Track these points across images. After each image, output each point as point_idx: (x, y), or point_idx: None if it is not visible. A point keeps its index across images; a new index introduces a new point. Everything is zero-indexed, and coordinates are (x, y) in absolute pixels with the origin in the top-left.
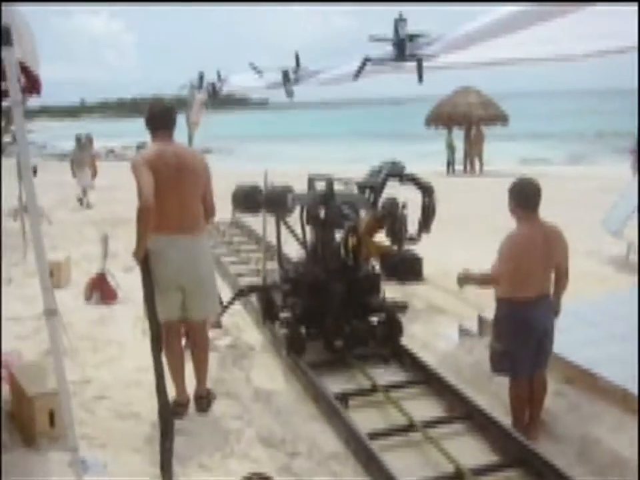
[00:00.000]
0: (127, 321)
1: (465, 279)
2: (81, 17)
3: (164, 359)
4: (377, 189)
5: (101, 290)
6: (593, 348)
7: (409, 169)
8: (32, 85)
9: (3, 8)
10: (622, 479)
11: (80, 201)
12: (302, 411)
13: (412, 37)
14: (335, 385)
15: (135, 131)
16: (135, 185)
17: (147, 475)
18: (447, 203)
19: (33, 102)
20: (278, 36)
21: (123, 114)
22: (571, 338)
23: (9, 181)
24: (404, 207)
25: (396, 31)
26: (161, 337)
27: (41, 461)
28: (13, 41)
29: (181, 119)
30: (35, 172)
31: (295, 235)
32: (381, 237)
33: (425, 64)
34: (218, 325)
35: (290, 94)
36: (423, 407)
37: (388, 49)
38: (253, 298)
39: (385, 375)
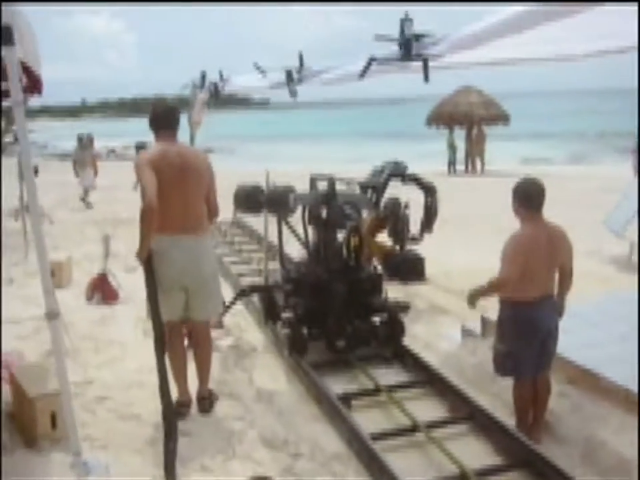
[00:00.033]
0: (129, 321)
1: (474, 295)
2: (82, 17)
3: (167, 360)
4: (379, 189)
5: (102, 290)
6: (595, 348)
7: (411, 169)
8: (33, 84)
9: (5, 8)
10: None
11: (83, 200)
12: (304, 411)
13: (418, 37)
14: (337, 385)
15: (136, 130)
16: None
17: (149, 476)
18: (449, 203)
19: (34, 102)
20: (279, 36)
21: (124, 114)
22: (574, 339)
23: (10, 180)
24: (406, 207)
25: (402, 30)
26: (164, 338)
27: (42, 462)
28: (15, 41)
29: (182, 119)
30: (36, 172)
31: (297, 235)
32: (383, 237)
33: (430, 64)
34: (220, 325)
35: (293, 94)
36: (426, 408)
37: (393, 48)
38: (255, 298)
39: (388, 375)
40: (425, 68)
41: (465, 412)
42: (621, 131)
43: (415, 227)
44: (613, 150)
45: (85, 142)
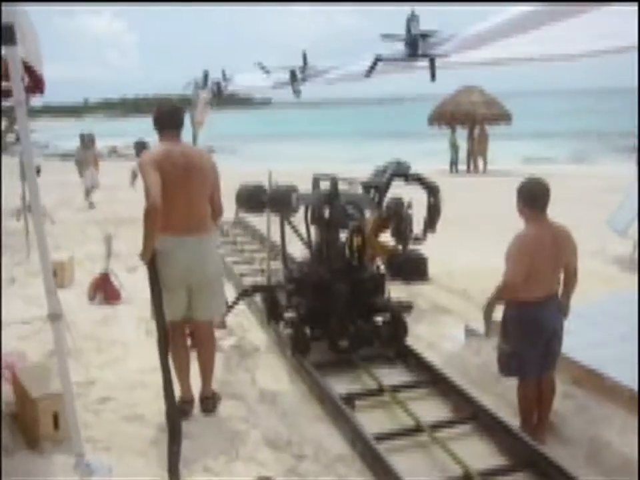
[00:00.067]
0: (131, 321)
1: (489, 308)
2: (83, 17)
3: (170, 359)
4: (382, 189)
5: (104, 290)
6: (599, 349)
7: (413, 168)
8: (35, 84)
9: (6, 8)
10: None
11: (90, 200)
12: (307, 412)
13: (424, 36)
14: (340, 385)
15: (138, 130)
16: (139, 184)
17: (152, 478)
18: (451, 203)
19: (35, 101)
20: (280, 36)
21: (126, 113)
22: (578, 339)
23: (12, 180)
24: (409, 206)
25: (408, 29)
26: (168, 339)
27: (44, 463)
28: (17, 40)
29: (185, 119)
30: (38, 172)
31: (299, 235)
32: (386, 237)
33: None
34: (223, 325)
35: (297, 93)
36: (429, 409)
37: (398, 47)
38: (257, 298)
39: (391, 375)
40: (432, 67)
41: (469, 412)
42: (623, 131)
43: (417, 227)
44: (615, 149)
45: (86, 141)
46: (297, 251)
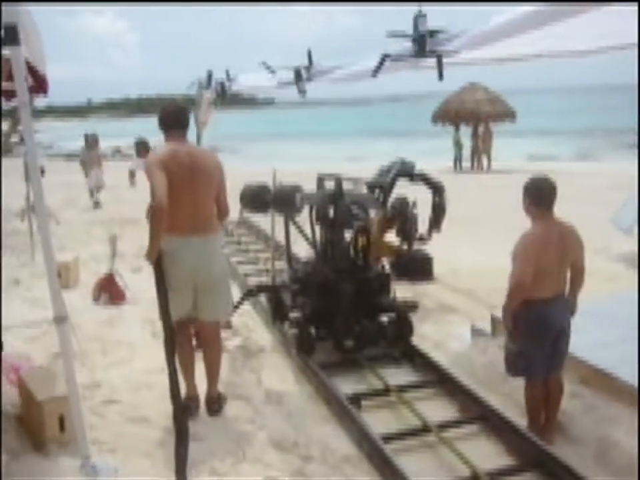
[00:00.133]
0: (136, 321)
1: (506, 314)
2: (85, 16)
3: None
4: (387, 189)
5: (109, 290)
6: (607, 348)
7: (416, 166)
8: (39, 85)
9: (7, 8)
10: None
11: (95, 200)
12: (314, 412)
13: (432, 33)
14: (346, 385)
15: (141, 130)
16: (146, 184)
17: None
18: (456, 201)
19: (39, 102)
20: (281, 36)
21: (129, 113)
22: (585, 338)
23: (16, 180)
24: (414, 206)
25: (415, 26)
26: (175, 340)
27: (50, 466)
28: (20, 41)
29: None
30: (42, 172)
31: (304, 235)
32: (391, 237)
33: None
34: (228, 325)
35: (303, 92)
36: (436, 409)
37: (405, 45)
38: (262, 298)
39: (397, 375)
40: (439, 65)
41: (476, 412)
42: (627, 128)
43: (422, 226)
44: (620, 146)
45: (90, 142)
46: (302, 250)
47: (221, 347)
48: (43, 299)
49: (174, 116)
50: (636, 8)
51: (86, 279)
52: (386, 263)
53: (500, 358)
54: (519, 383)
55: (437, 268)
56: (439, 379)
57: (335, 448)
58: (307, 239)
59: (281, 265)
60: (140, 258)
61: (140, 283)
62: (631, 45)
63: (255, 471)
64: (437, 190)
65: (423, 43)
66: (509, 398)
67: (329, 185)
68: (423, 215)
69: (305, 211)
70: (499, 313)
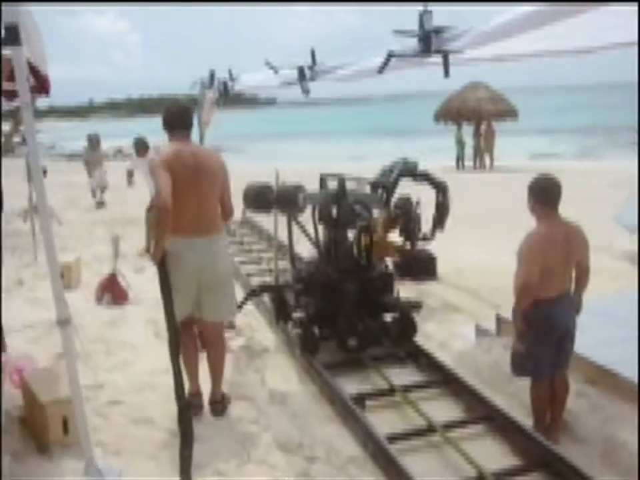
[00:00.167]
0: (139, 322)
1: (516, 315)
2: (86, 16)
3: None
4: (390, 188)
5: (112, 291)
6: (612, 347)
7: (419, 165)
8: (41, 85)
9: (7, 8)
10: None
11: (99, 200)
12: (318, 413)
13: (438, 31)
14: (350, 385)
15: (143, 130)
16: (144, 184)
17: None
18: (459, 200)
19: (41, 102)
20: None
21: (131, 113)
22: (590, 337)
23: (18, 181)
24: (417, 205)
25: (421, 24)
26: (179, 341)
27: (54, 468)
28: (22, 41)
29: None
30: (44, 173)
31: (307, 234)
32: (395, 236)
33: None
34: (231, 325)
35: (306, 92)
36: (441, 409)
37: (409, 44)
38: (266, 298)
39: (401, 375)
40: (446, 63)
41: (482, 412)
42: (628, 125)
43: (426, 226)
44: (621, 144)
45: (93, 142)
46: (305, 250)
47: (224, 347)
48: (45, 299)
49: (178, 116)
50: (636, 8)
51: (88, 280)
52: (389, 262)
53: (505, 357)
54: (524, 382)
55: (441, 267)
56: (443, 379)
57: (340, 448)
58: (309, 238)
59: (284, 264)
60: (142, 258)
61: (142, 283)
62: (631, 43)
63: (260, 472)
64: (441, 189)
65: (429, 41)
66: (514, 397)
67: (332, 184)
68: (427, 214)
69: (308, 210)
70: (503, 313)
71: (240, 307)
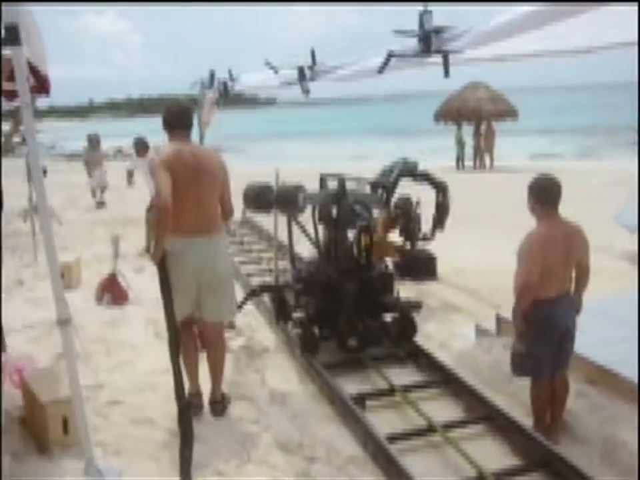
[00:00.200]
0: (139, 322)
1: (516, 315)
2: (87, 17)
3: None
4: (390, 188)
5: (112, 291)
6: (612, 347)
7: (419, 165)
8: (41, 85)
9: (7, 8)
10: None
11: (100, 200)
12: (318, 413)
13: (438, 31)
14: (350, 385)
15: (143, 130)
16: (144, 184)
17: None
18: (459, 200)
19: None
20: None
21: (131, 113)
22: (589, 337)
23: (18, 181)
24: (417, 205)
25: (421, 24)
26: (179, 342)
27: (54, 468)
28: (22, 41)
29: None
30: (44, 173)
31: (307, 234)
32: (395, 236)
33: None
34: (231, 325)
35: (306, 92)
36: (441, 409)
37: (409, 43)
38: (266, 298)
39: (401, 375)
40: (446, 63)
41: (482, 412)
42: (628, 125)
43: (426, 225)
44: (621, 144)
45: (94, 142)
46: (305, 250)
47: (225, 347)
48: (45, 299)
49: (178, 116)
50: (636, 8)
51: (88, 280)
52: (389, 262)
53: (505, 357)
54: (524, 382)
55: (441, 267)
56: (443, 379)
57: (340, 448)
58: (309, 238)
59: (284, 264)
60: (142, 258)
61: (143, 283)
62: (631, 43)
63: (260, 473)
64: (441, 189)
65: (429, 41)
66: (514, 397)
67: (332, 184)
68: (427, 214)
69: (308, 210)
70: (503, 313)
71: (240, 307)
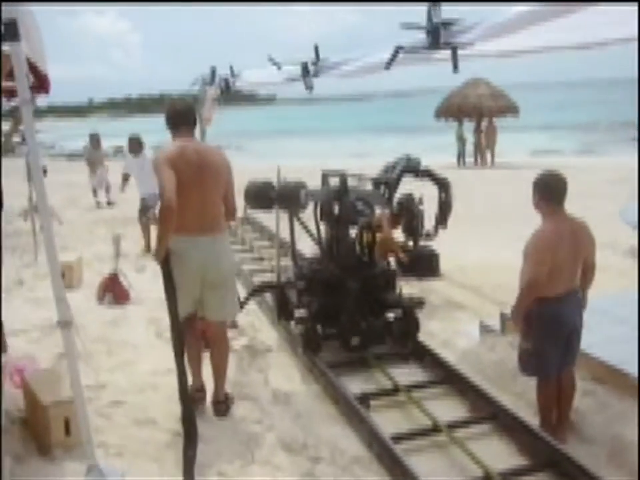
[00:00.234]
0: (141, 321)
1: (517, 313)
2: (87, 16)
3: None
4: (392, 185)
5: (113, 290)
6: (618, 344)
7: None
8: (40, 83)
9: (6, 8)
10: None
11: (107, 200)
12: (322, 412)
13: (446, 24)
14: (354, 385)
15: (143, 130)
16: (136, 184)
17: None
18: (460, 196)
19: (41, 101)
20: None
21: (131, 113)
22: (597, 334)
23: (18, 180)
24: (420, 202)
25: (429, 17)
26: (184, 341)
27: (56, 471)
28: (21, 36)
29: None
30: (44, 172)
31: (309, 232)
32: (397, 233)
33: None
34: (234, 324)
35: (310, 88)
36: (446, 408)
37: (418, 37)
38: (268, 297)
39: (405, 374)
40: (454, 57)
41: (487, 411)
42: (629, 121)
43: (428, 222)
44: (622, 140)
45: (95, 141)
46: (307, 247)
47: (228, 347)
48: (46, 299)
49: (182, 114)
50: (635, 7)
51: (90, 279)
52: (392, 259)
53: (510, 355)
54: (530, 380)
55: (444, 264)
56: (448, 378)
57: (344, 448)
58: (311, 235)
59: (286, 262)
60: (144, 257)
61: (144, 283)
62: (632, 39)
63: (264, 473)
64: (443, 186)
65: (437, 34)
66: (519, 396)
67: (334, 181)
68: (429, 211)
69: (310, 207)
70: (508, 310)
71: (242, 305)
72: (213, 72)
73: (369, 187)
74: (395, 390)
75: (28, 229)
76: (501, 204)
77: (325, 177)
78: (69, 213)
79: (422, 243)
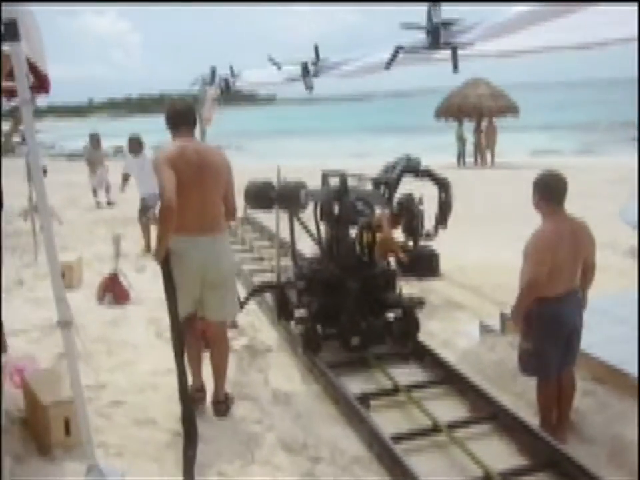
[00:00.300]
0: (141, 321)
1: (517, 313)
2: (87, 17)
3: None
4: (392, 185)
5: (113, 290)
6: (618, 344)
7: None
8: (40, 83)
9: (6, 8)
10: None
11: (107, 200)
12: (322, 412)
13: (446, 24)
14: (354, 385)
15: (143, 130)
16: (136, 184)
17: None
18: (460, 196)
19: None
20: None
21: (131, 113)
22: (597, 334)
23: (18, 180)
24: (420, 202)
25: (429, 17)
26: (184, 341)
27: (56, 471)
28: (21, 36)
29: None
30: (45, 172)
31: (309, 232)
32: (397, 233)
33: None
34: (234, 325)
35: (310, 88)
36: (446, 408)
37: (418, 37)
38: (268, 297)
39: (405, 374)
40: (454, 57)
41: (487, 411)
42: (629, 121)
43: (428, 222)
44: (621, 140)
45: (95, 141)
46: (307, 247)
47: (228, 347)
48: (46, 299)
49: (182, 114)
50: (636, 8)
51: (90, 279)
52: (392, 259)
53: (510, 355)
54: (530, 380)
55: (444, 264)
56: (448, 378)
57: (344, 449)
58: (311, 236)
59: (286, 262)
60: (144, 257)
61: (144, 283)
62: (632, 39)
63: (264, 473)
64: (443, 186)
65: (437, 35)
66: (519, 396)
67: (334, 181)
68: (429, 211)
69: (310, 207)
70: (508, 310)
71: (242, 305)
72: (213, 72)
73: (368, 187)
74: (395, 390)
75: (28, 229)
76: (501, 204)
77: (324, 177)
78: (68, 213)
79: (422, 243)
